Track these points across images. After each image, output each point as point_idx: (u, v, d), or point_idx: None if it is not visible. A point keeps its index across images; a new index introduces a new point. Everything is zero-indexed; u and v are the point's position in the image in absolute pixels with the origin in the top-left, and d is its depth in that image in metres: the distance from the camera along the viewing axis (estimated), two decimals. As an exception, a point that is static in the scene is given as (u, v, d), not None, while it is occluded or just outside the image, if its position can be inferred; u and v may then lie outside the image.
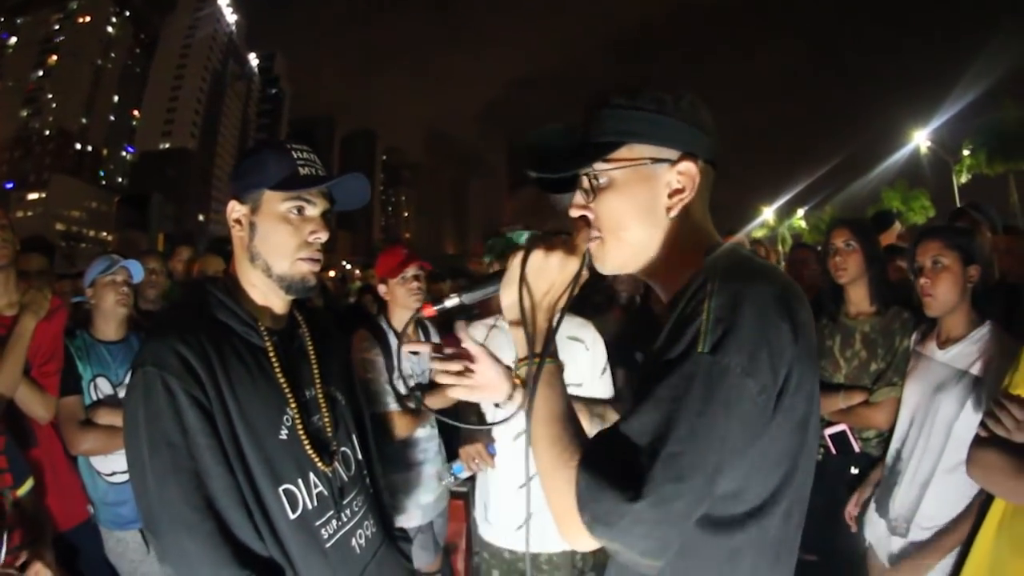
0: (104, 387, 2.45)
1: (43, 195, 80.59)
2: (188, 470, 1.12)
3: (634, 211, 0.95)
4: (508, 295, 0.96)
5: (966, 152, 29.75)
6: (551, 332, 0.96)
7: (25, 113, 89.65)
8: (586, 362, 2.29)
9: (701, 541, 0.87)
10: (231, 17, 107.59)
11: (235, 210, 1.30)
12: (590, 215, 0.98)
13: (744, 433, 0.81)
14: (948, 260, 2.01)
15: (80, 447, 2.34)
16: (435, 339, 2.91)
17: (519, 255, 0.96)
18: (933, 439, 2.00)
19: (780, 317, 0.83)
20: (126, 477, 2.41)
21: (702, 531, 0.86)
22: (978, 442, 1.66)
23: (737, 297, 0.83)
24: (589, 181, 0.97)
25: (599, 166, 0.95)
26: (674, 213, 0.95)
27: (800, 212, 50.07)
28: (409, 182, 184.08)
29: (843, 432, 2.46)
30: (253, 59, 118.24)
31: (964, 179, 29.83)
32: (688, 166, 0.94)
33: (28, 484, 1.86)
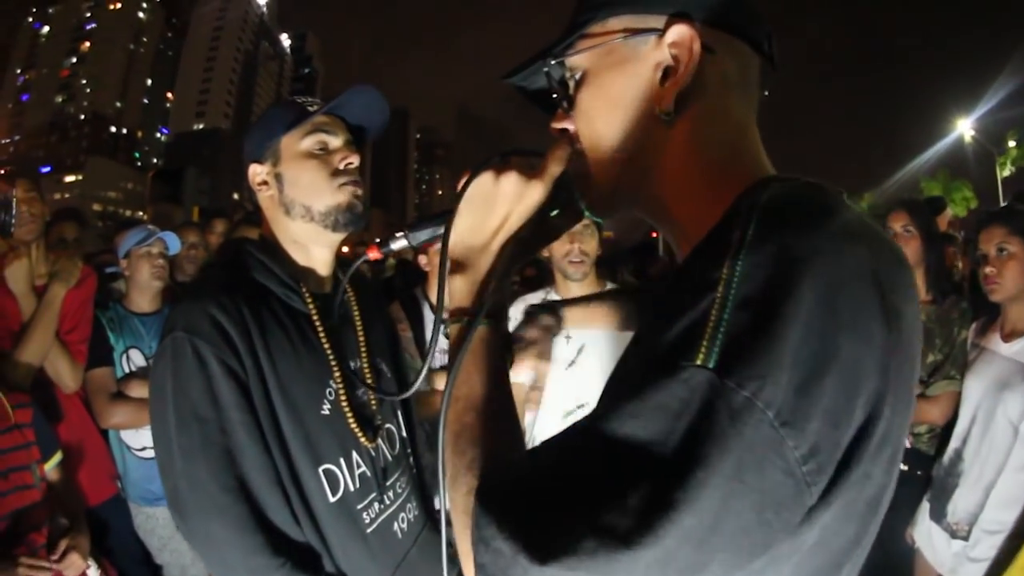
0: (137, 359, 2.42)
1: (80, 177, 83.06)
2: (219, 447, 1.02)
3: (609, 107, 0.64)
4: (453, 230, 0.70)
5: (1011, 143, 28.73)
6: (490, 282, 0.68)
7: (60, 99, 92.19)
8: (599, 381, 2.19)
9: None
10: None
11: (257, 173, 1.21)
12: (570, 126, 0.69)
13: (759, 521, 0.44)
14: (1014, 247, 1.90)
15: (110, 420, 2.31)
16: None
17: (463, 179, 0.70)
18: (998, 438, 1.88)
19: (869, 312, 0.46)
20: (156, 452, 2.40)
21: None
22: None
23: (788, 260, 0.46)
24: (563, 82, 0.69)
25: (569, 57, 0.66)
26: (667, 107, 0.61)
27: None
28: (443, 160, 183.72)
29: (895, 427, 2.33)
30: (285, 39, 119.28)
31: (1008, 171, 28.83)
32: (680, 30, 0.60)
33: (56, 457, 1.84)
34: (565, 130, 0.70)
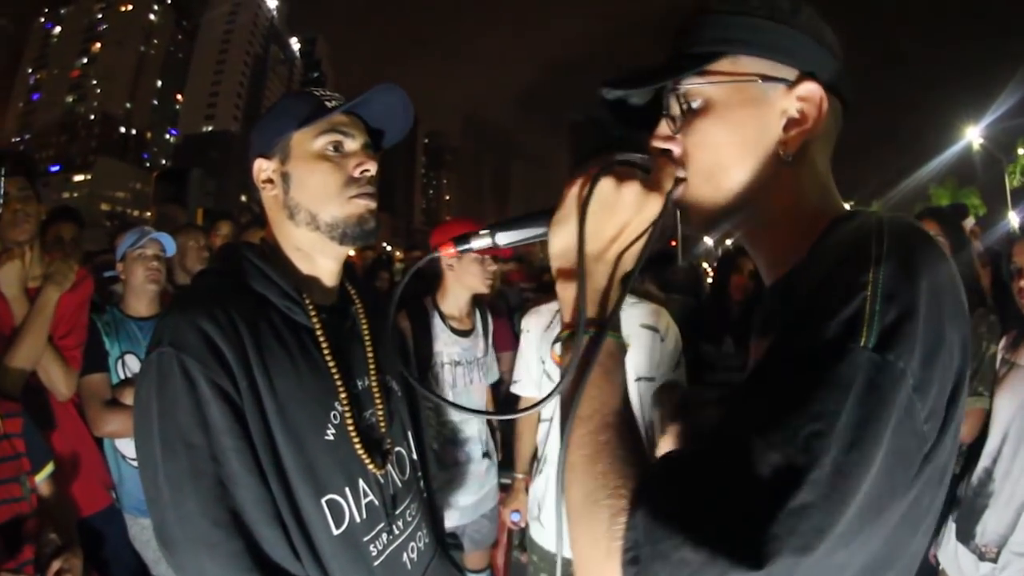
0: (133, 365, 2.35)
1: (88, 177, 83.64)
2: (210, 476, 0.91)
3: (736, 144, 0.69)
4: (560, 236, 0.68)
5: (1021, 151, 28.57)
6: (619, 293, 0.68)
7: (71, 99, 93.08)
8: (661, 355, 2.08)
9: None
10: (272, 2, 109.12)
11: (263, 168, 1.10)
12: (676, 149, 0.72)
13: (894, 479, 0.53)
14: None
15: (104, 428, 2.24)
16: (490, 325, 2.67)
17: (578, 183, 0.68)
18: None
19: (958, 308, 0.58)
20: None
21: None
22: None
23: (914, 267, 0.56)
24: (678, 102, 0.71)
25: (692, 82, 0.70)
26: (791, 152, 0.69)
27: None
28: (451, 165, 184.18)
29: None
30: (295, 43, 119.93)
31: (1017, 180, 28.65)
32: (811, 88, 0.68)
33: (47, 469, 1.77)
34: (667, 150, 0.73)
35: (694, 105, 0.70)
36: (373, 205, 1.10)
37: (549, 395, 0.67)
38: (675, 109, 0.72)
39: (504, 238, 0.74)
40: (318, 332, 1.08)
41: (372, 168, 1.09)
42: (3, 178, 1.96)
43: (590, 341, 0.64)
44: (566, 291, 0.68)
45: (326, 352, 1.07)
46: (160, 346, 0.94)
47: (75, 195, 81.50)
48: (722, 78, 0.69)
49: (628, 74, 0.73)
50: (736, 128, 0.69)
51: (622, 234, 0.68)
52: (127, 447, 2.32)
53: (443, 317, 2.42)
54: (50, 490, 1.78)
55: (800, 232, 0.69)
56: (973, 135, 28.17)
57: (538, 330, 2.29)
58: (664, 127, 0.73)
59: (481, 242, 0.73)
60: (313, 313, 1.08)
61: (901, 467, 0.54)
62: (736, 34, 0.69)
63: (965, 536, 1.98)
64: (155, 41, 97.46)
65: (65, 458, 2.09)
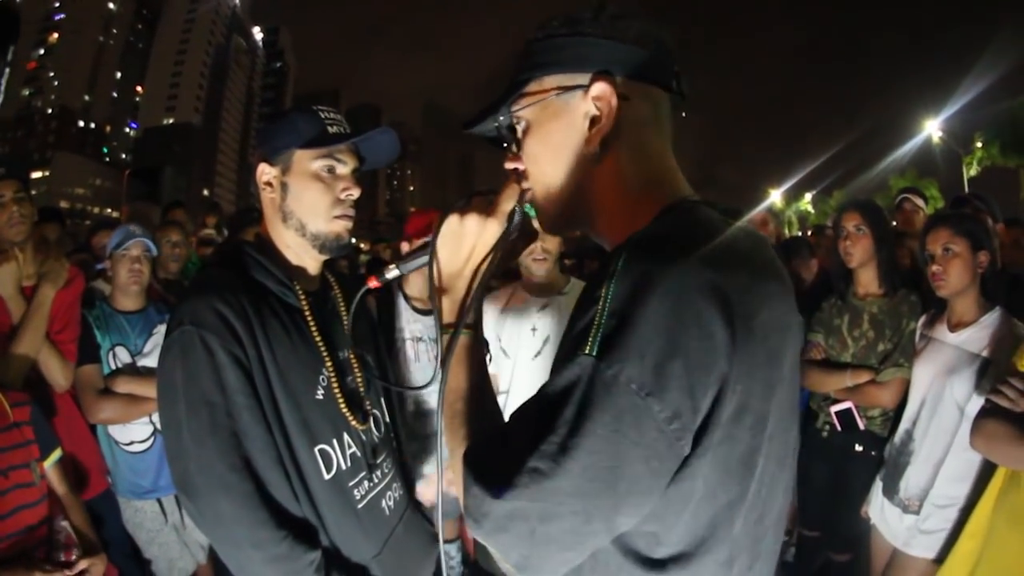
0: (123, 356, 2.48)
1: (46, 173, 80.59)
2: (227, 429, 1.12)
3: (551, 153, 0.82)
4: (434, 263, 0.88)
5: (979, 144, 29.39)
6: (468, 300, 0.85)
7: (27, 92, 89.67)
8: None
9: (628, 573, 0.71)
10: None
11: (265, 172, 1.30)
12: (520, 166, 0.86)
13: (648, 469, 0.63)
14: (958, 247, 2.06)
15: (98, 416, 2.37)
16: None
17: (436, 223, 0.87)
18: (945, 419, 2.04)
19: (709, 316, 0.62)
20: (144, 447, 2.46)
21: (630, 564, 0.71)
22: (982, 414, 1.74)
23: (644, 281, 0.63)
24: (511, 129, 0.85)
25: (509, 111, 0.83)
26: (594, 148, 0.79)
27: (807, 196, 49.78)
28: (415, 156, 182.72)
29: (849, 410, 2.49)
30: (257, 33, 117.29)
31: (974, 171, 29.49)
32: (601, 87, 0.77)
33: (55, 454, 1.88)
34: (516, 168, 0.86)
35: (521, 127, 0.84)
36: (351, 225, 1.32)
37: (432, 380, 0.91)
38: (507, 135, 0.86)
39: (403, 268, 0.93)
40: (306, 312, 1.30)
41: (356, 193, 1.30)
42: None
43: (450, 339, 0.83)
44: (441, 302, 0.87)
45: (313, 328, 1.29)
46: (183, 324, 1.14)
47: (34, 192, 77.64)
48: (528, 100, 0.81)
49: (477, 113, 0.88)
50: (548, 139, 0.81)
51: (472, 255, 0.85)
52: (119, 433, 2.45)
53: (406, 298, 2.61)
54: (58, 474, 1.89)
55: (625, 222, 0.77)
56: (932, 128, 28.89)
57: (494, 312, 2.55)
58: (511, 152, 0.88)
59: (393, 273, 0.94)
60: (302, 297, 1.30)
61: (650, 458, 0.63)
62: (539, 58, 0.81)
63: (890, 492, 2.20)
64: (114, 31, 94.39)
65: (65, 445, 2.19)
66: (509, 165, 0.87)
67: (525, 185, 0.85)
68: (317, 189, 1.26)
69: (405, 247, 2.62)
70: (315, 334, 1.29)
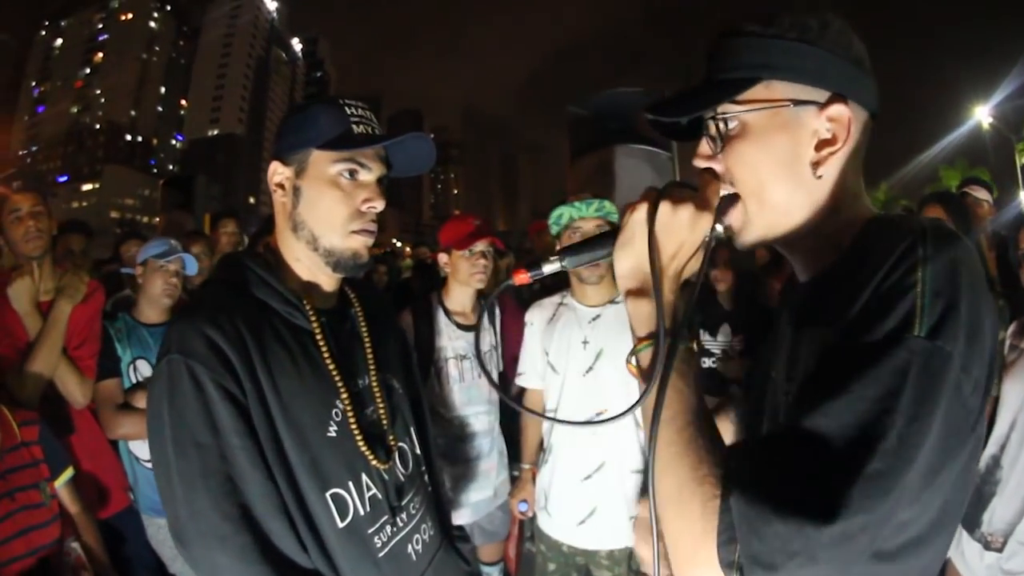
0: (144, 369, 2.41)
1: (97, 185, 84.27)
2: (219, 474, 0.96)
3: (772, 165, 0.76)
4: (627, 257, 0.78)
5: (1032, 129, 28.12)
6: (684, 304, 0.77)
7: (75, 109, 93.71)
8: None
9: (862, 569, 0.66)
10: (271, 4, 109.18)
11: (277, 172, 1.13)
12: (718, 167, 0.79)
13: (947, 447, 0.63)
14: None
15: (117, 431, 2.31)
16: (498, 319, 2.66)
17: (640, 209, 0.77)
18: None
19: (987, 293, 0.66)
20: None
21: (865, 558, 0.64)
22: None
23: (955, 264, 0.65)
24: (716, 126, 0.78)
25: (728, 108, 0.76)
26: (823, 171, 0.76)
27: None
28: (457, 159, 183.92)
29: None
30: (296, 44, 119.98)
31: (1030, 160, 28.21)
32: (840, 110, 0.74)
33: (67, 474, 1.83)
34: (710, 168, 0.80)
35: (732, 127, 0.77)
36: (371, 242, 1.14)
37: (638, 401, 0.75)
38: (713, 130, 0.78)
39: (572, 262, 0.81)
40: (317, 335, 1.12)
41: (379, 206, 1.12)
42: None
43: (668, 348, 0.72)
44: (638, 307, 0.77)
45: (325, 354, 1.11)
46: (169, 353, 0.99)
47: (84, 204, 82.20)
48: (757, 105, 0.75)
49: (671, 99, 0.80)
50: (771, 150, 0.75)
51: (680, 251, 0.76)
52: (141, 450, 2.39)
53: (447, 313, 2.45)
54: (70, 494, 1.83)
55: (835, 236, 0.77)
56: (982, 114, 27.80)
57: (541, 323, 2.32)
58: (705, 147, 0.80)
59: (552, 267, 0.81)
60: (313, 317, 1.12)
61: (954, 437, 0.63)
62: (768, 59, 0.75)
63: (971, 525, 1.93)
64: (156, 48, 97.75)
65: (84, 462, 2.15)
66: (704, 164, 0.80)
67: (727, 189, 0.79)
68: (334, 198, 1.09)
69: (444, 259, 2.47)
70: (328, 360, 1.11)
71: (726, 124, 0.77)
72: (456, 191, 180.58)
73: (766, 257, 3.80)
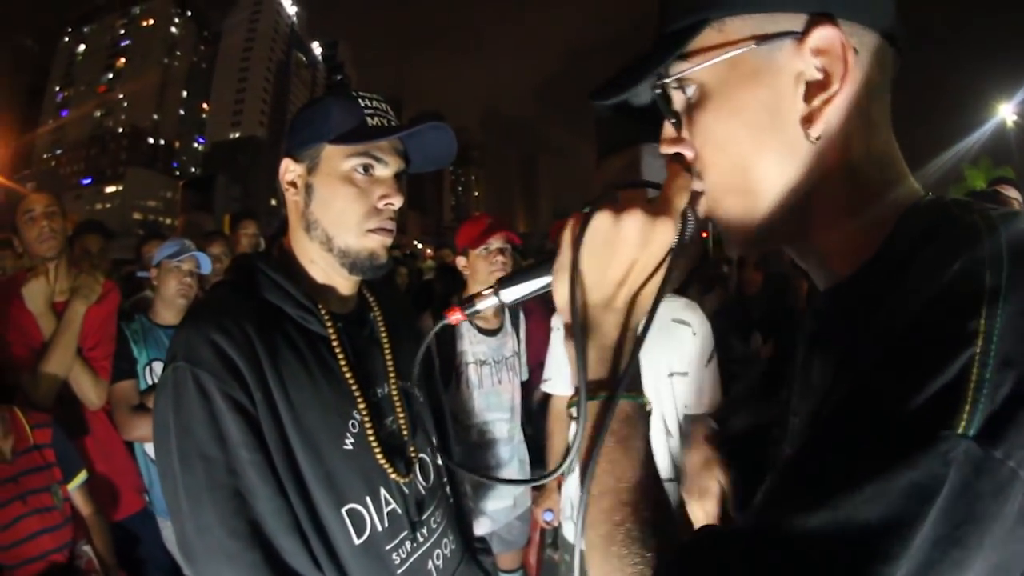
0: (160, 371, 2.41)
1: (120, 188, 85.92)
2: (227, 489, 0.91)
3: (744, 133, 0.54)
4: (560, 287, 0.58)
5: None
6: (631, 346, 0.57)
7: (99, 114, 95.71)
8: (693, 350, 2.02)
9: None
10: (291, 9, 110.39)
11: (289, 170, 1.07)
12: (687, 152, 0.58)
13: (990, 548, 0.39)
14: None
15: (132, 433, 2.29)
16: (522, 323, 2.60)
17: (570, 225, 0.57)
18: None
19: None
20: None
21: None
22: None
23: None
24: (670, 96, 0.59)
25: (677, 67, 0.55)
26: (818, 129, 0.52)
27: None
28: (478, 161, 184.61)
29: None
30: (316, 48, 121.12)
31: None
32: (826, 34, 0.50)
33: (80, 477, 1.82)
34: (679, 155, 0.59)
35: (690, 93, 0.56)
36: (389, 241, 1.07)
37: (551, 474, 0.63)
38: (676, 103, 0.59)
39: (509, 295, 0.67)
40: (333, 341, 1.06)
41: (397, 203, 1.06)
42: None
43: (600, 407, 0.54)
44: (572, 349, 0.57)
45: (341, 361, 1.06)
46: (175, 361, 0.94)
47: (108, 206, 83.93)
48: (710, 56, 0.53)
49: (612, 76, 0.59)
50: (738, 112, 0.54)
51: (630, 275, 0.56)
52: (156, 452, 2.38)
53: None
54: (83, 498, 1.82)
55: (860, 226, 0.54)
56: (1006, 112, 27.33)
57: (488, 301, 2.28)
58: (668, 128, 0.60)
59: (487, 302, 0.68)
60: (328, 322, 1.06)
61: (996, 536, 0.38)
62: None
63: None
64: (178, 53, 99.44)
65: (99, 464, 2.14)
66: (668, 149, 0.60)
67: (697, 182, 0.58)
68: (348, 195, 1.02)
69: (462, 262, 2.40)
70: (344, 368, 1.05)
71: (684, 91, 0.57)
72: (477, 193, 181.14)
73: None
